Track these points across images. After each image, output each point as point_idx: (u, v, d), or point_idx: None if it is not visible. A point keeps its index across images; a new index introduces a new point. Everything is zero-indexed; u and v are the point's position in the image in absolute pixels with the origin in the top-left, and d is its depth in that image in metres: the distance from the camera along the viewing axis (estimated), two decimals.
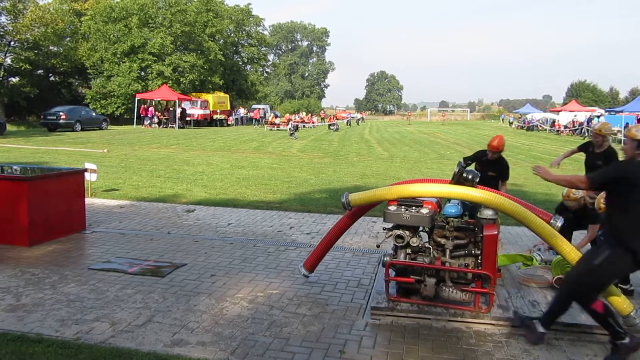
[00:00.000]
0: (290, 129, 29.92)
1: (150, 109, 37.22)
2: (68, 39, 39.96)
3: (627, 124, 32.42)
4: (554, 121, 45.37)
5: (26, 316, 4.27)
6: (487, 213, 4.52)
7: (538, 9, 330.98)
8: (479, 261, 4.48)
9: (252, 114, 46.52)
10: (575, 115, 41.71)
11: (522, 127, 47.79)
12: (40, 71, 38.58)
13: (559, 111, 50.09)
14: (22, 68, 33.44)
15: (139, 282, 5.15)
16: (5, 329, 4.02)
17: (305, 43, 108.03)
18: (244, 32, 54.10)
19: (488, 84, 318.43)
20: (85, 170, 8.04)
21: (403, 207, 4.63)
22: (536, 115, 49.63)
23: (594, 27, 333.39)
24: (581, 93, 68.91)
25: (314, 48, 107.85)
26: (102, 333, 3.99)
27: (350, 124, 51.56)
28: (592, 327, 4.24)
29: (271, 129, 37.22)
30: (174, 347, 3.80)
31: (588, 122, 37.05)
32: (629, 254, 3.66)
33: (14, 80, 36.05)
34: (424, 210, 4.52)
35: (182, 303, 4.63)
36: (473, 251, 4.56)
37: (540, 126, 45.35)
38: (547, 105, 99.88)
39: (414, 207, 4.59)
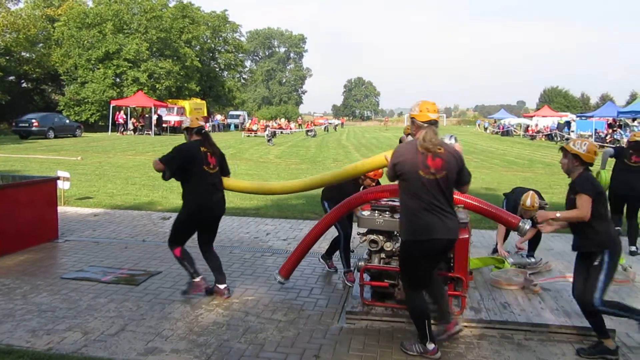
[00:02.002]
0: (267, 135, 29.89)
1: (118, 114, 36.51)
2: (41, 45, 39.38)
3: (596, 129, 33.32)
4: (527, 126, 46.24)
5: None
6: (459, 217, 4.60)
7: (511, 16, 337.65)
8: (451, 265, 4.57)
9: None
10: (553, 121, 42.49)
11: (496, 133, 48.56)
12: (12, 77, 37.92)
13: (532, 116, 51.04)
14: None
15: (112, 290, 5.10)
16: None
17: (282, 49, 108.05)
18: (220, 39, 53.93)
19: (463, 90, 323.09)
20: (58, 178, 7.93)
21: (377, 212, 4.69)
22: (512, 121, 50.48)
23: (566, 33, 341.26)
24: (554, 99, 70.28)
25: (291, 54, 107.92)
26: (74, 343, 3.94)
27: (327, 130, 51.73)
28: (560, 327, 4.37)
29: (249, 136, 37.13)
30: (147, 355, 3.78)
31: (557, 128, 37.88)
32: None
33: None
34: (398, 215, 4.59)
35: (157, 311, 4.60)
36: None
37: (515, 131, 46.15)
38: (521, 110, 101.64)
39: (387, 212, 4.66)
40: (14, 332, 4.11)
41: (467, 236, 4.49)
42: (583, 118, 37.72)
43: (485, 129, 55.88)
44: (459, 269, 4.49)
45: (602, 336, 3.99)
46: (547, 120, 43.94)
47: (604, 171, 7.04)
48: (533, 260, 6.08)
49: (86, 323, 4.31)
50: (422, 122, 3.74)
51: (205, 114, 44.46)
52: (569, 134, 34.25)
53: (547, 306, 4.79)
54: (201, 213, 4.81)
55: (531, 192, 5.84)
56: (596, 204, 3.86)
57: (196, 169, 4.71)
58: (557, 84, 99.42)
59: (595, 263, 3.91)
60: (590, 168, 4.05)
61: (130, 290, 5.10)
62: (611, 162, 7.43)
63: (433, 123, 3.73)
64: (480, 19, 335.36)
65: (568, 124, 38.25)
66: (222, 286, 4.96)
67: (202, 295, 4.94)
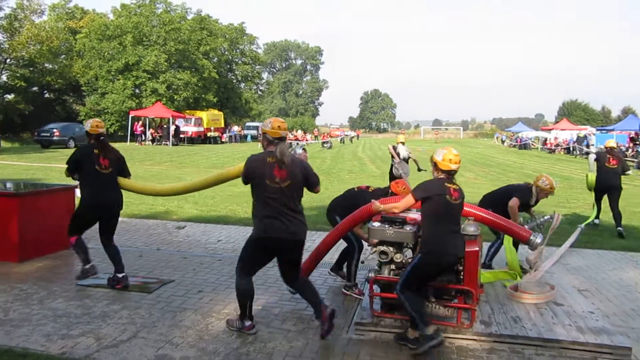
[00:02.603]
0: None
1: (137, 124, 37.07)
2: (63, 56, 40.26)
3: (618, 143, 32.87)
4: (545, 139, 45.81)
5: (13, 331, 4.30)
6: (469, 230, 4.61)
7: (531, 28, 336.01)
8: (461, 277, 4.56)
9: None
10: (571, 134, 42.11)
11: (514, 146, 48.20)
12: (35, 88, 38.76)
13: (550, 129, 50.58)
14: (17, 85, 33.62)
15: (126, 297, 5.19)
16: None
17: (299, 61, 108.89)
18: (238, 50, 54.56)
19: (481, 103, 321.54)
20: (77, 186, 8.07)
21: (387, 223, 4.71)
22: (530, 134, 50.05)
23: (587, 46, 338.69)
24: (573, 112, 69.60)
25: (308, 66, 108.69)
26: (87, 348, 4.02)
27: (343, 142, 51.83)
28: (573, 343, 4.32)
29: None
30: None
31: (576, 141, 37.48)
32: None
33: (9, 97, 36.18)
34: (408, 227, 4.62)
35: (168, 319, 4.67)
36: (455, 267, 4.63)
37: (533, 144, 45.74)
38: (539, 123, 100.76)
39: (397, 224, 4.68)
40: (29, 336, 4.20)
41: (477, 249, 4.48)
42: (603, 132, 37.31)
43: (503, 142, 55.49)
44: (469, 281, 4.47)
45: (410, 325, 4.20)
46: (566, 134, 43.51)
47: (590, 173, 9.24)
48: (546, 217, 6.09)
49: (99, 329, 4.39)
50: (272, 137, 4.24)
51: (223, 125, 44.93)
52: (587, 147, 33.88)
53: (560, 321, 4.73)
54: (93, 207, 5.47)
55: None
56: (426, 207, 4.22)
57: (88, 169, 5.43)
58: (577, 97, 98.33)
59: (414, 257, 4.35)
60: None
61: (143, 298, 5.18)
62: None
63: (282, 139, 4.25)
64: (498, 31, 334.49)
65: (585, 137, 37.87)
66: (120, 275, 5.50)
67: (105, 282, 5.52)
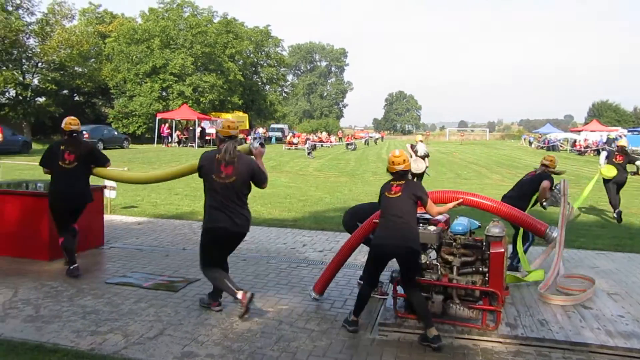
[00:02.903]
0: (308, 148, 30.16)
1: (164, 127, 37.62)
2: (92, 60, 41.05)
3: None
4: (575, 141, 44.89)
5: (44, 327, 4.42)
6: (494, 231, 4.57)
7: (559, 28, 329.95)
8: (487, 279, 4.52)
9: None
10: (600, 135, 41.27)
11: (542, 147, 47.35)
12: (65, 91, 39.62)
13: (580, 131, 49.56)
14: (48, 88, 34.37)
15: (152, 296, 5.28)
16: (24, 338, 4.18)
17: (323, 63, 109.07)
18: (263, 53, 54.96)
19: (508, 104, 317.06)
20: (105, 187, 8.26)
21: None
22: (558, 136, 49.09)
23: (618, 46, 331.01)
24: (603, 113, 68.09)
25: (333, 68, 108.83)
26: (115, 344, 4.11)
27: (368, 144, 51.68)
28: (602, 346, 4.23)
29: (289, 149, 37.53)
30: (183, 359, 3.91)
31: (606, 142, 36.64)
32: None
33: (41, 100, 37.04)
34: (432, 228, 4.60)
35: (194, 317, 4.74)
36: (480, 269, 4.59)
37: (561, 146, 44.86)
38: (568, 125, 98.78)
39: (421, 225, 4.66)
40: (60, 332, 4.32)
41: (502, 250, 4.44)
42: (635, 133, 36.40)
43: (530, 143, 54.57)
44: (494, 283, 4.43)
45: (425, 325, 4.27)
46: (596, 135, 42.56)
47: (606, 167, 10.72)
48: (557, 186, 6.13)
49: (127, 326, 4.48)
50: (223, 136, 4.65)
51: (247, 127, 45.28)
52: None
53: (588, 325, 4.65)
54: (56, 200, 5.85)
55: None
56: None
57: (54, 163, 5.83)
58: (608, 97, 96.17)
59: None
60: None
61: (169, 297, 5.27)
62: None
63: (232, 137, 4.64)
64: (525, 32, 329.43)
65: (615, 139, 37.00)
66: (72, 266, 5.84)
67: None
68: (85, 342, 4.13)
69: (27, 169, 17.95)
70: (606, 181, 10.69)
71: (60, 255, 6.52)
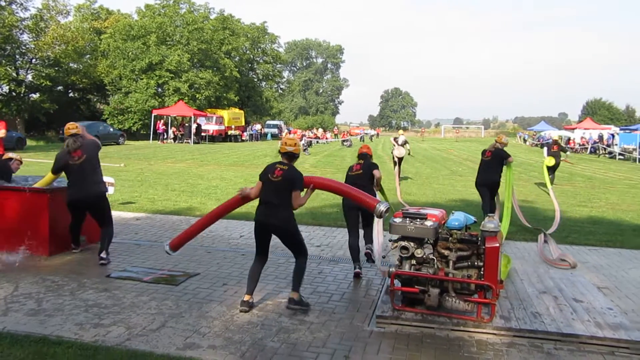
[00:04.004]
0: (303, 144, 30.22)
1: (159, 123, 37.62)
2: (88, 56, 40.91)
3: None
4: (569, 139, 45.13)
5: (47, 320, 4.50)
6: (489, 226, 4.67)
7: (554, 26, 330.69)
8: (482, 272, 4.63)
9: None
10: (590, 134, 41.60)
11: (536, 145, 47.58)
12: (60, 87, 39.44)
13: (573, 129, 49.83)
14: (43, 84, 34.24)
15: (153, 289, 5.36)
16: (27, 331, 4.25)
17: (319, 60, 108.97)
18: (259, 50, 54.88)
19: (503, 101, 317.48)
20: (109, 183, 8.30)
21: (408, 219, 4.80)
22: (552, 133, 49.35)
23: (611, 44, 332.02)
24: (597, 111, 68.40)
25: (329, 65, 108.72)
26: (118, 336, 4.19)
27: (363, 140, 51.81)
28: (591, 337, 4.36)
29: None
30: (186, 350, 3.99)
31: (599, 140, 36.94)
32: None
33: (35, 96, 36.90)
34: (429, 223, 4.70)
35: (195, 310, 4.83)
36: (476, 263, 4.70)
37: None
38: (562, 122, 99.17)
39: (418, 220, 4.76)
40: (63, 325, 4.39)
41: (497, 245, 4.55)
42: (627, 131, 36.67)
43: (525, 141, 54.83)
44: (489, 277, 4.54)
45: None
46: (590, 133, 42.85)
47: (545, 160, 13.80)
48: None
49: (129, 319, 4.56)
50: (67, 135, 6.23)
51: (243, 123, 45.31)
52: (609, 147, 33.31)
53: (579, 317, 4.77)
54: (72, 195, 6.33)
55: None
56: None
57: (65, 165, 6.29)
58: (601, 95, 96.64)
59: None
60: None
61: (170, 290, 5.35)
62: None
63: (73, 135, 6.18)
64: (522, 30, 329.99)
65: (601, 137, 37.48)
66: (102, 254, 6.32)
67: None
68: (89, 335, 4.22)
69: (24, 165, 17.95)
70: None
71: (59, 250, 6.60)
